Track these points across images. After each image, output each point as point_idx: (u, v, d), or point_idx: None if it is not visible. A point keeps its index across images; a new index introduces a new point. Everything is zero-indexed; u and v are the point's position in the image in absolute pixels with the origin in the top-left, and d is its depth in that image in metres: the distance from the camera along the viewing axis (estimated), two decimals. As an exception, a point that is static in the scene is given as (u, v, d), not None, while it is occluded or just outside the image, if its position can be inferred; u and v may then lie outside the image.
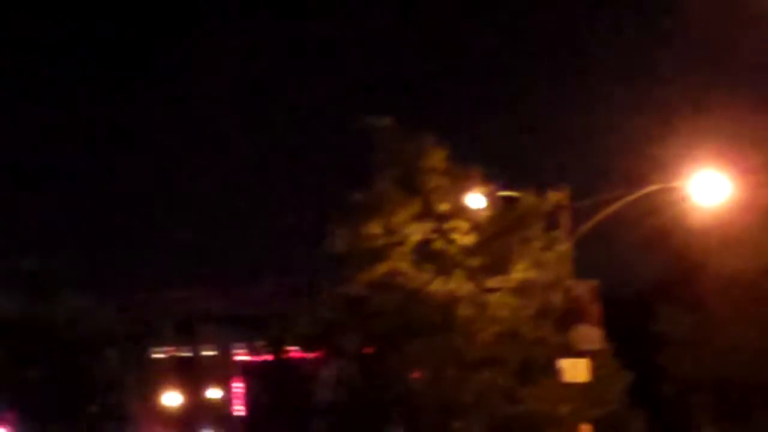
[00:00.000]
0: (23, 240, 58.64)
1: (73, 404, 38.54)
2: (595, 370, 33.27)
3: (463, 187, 33.61)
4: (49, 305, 39.17)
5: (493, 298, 33.60)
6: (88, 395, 39.98)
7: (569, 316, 34.12)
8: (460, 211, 33.72)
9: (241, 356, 70.06)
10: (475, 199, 33.51)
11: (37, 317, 38.84)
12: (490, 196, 33.61)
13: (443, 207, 33.75)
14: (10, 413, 40.87)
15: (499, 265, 33.91)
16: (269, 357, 65.16)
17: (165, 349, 70.34)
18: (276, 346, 60.39)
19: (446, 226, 33.79)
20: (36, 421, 38.44)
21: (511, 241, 33.91)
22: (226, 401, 70.57)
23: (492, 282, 33.69)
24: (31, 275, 39.05)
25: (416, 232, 33.81)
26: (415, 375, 35.17)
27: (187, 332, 69.42)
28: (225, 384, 70.15)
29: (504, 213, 34.15)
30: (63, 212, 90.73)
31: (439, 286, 33.42)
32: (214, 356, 71.08)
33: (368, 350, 35.36)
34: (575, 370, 32.55)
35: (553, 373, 32.93)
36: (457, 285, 33.40)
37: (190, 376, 69.55)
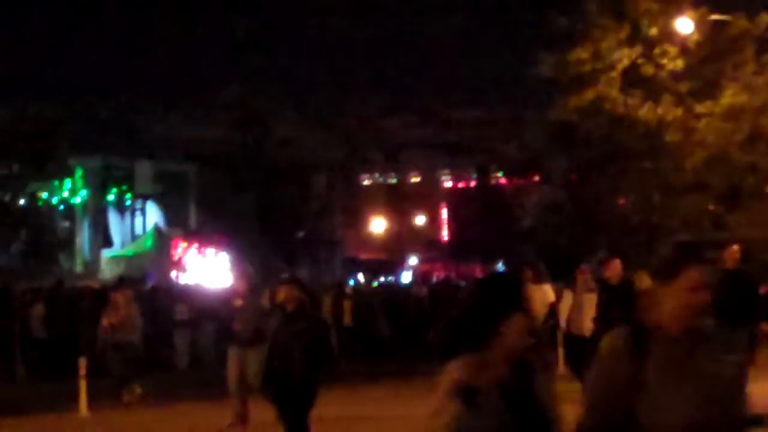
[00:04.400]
0: (229, 72, 60.11)
1: (283, 230, 39.72)
2: (807, 194, 32.99)
3: (672, 11, 33.14)
4: (258, 133, 40.16)
5: (701, 123, 33.31)
6: (298, 221, 41.08)
7: (781, 140, 33.70)
8: (669, 35, 33.32)
9: (448, 182, 71.11)
10: (685, 23, 33.04)
11: (247, 145, 39.88)
12: (700, 19, 33.08)
13: (652, 31, 33.37)
14: (221, 238, 42.30)
15: (709, 90, 33.54)
16: (475, 183, 66.22)
17: (372, 175, 71.80)
18: (482, 173, 61.32)
19: (655, 50, 33.47)
20: (247, 246, 39.80)
21: (722, 66, 33.42)
22: (432, 227, 71.98)
23: (701, 107, 33.36)
24: (240, 104, 39.98)
25: (624, 57, 33.61)
26: (622, 200, 35.36)
27: (394, 159, 70.52)
28: (431, 210, 71.49)
29: (714, 37, 33.60)
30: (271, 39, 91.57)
31: (647, 111, 33.29)
32: (420, 182, 72.19)
33: (575, 176, 35.62)
34: (785, 194, 32.33)
35: (763, 198, 32.76)
36: (666, 110, 33.19)
37: (397, 202, 70.91)
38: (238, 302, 16.79)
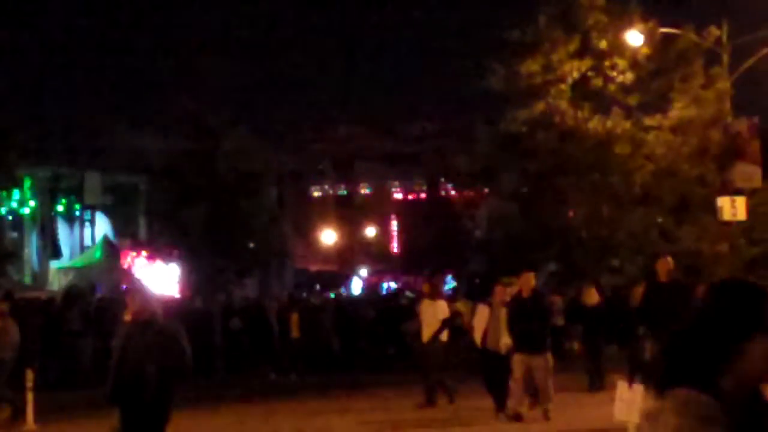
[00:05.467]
0: (186, 82, 59.93)
1: (234, 241, 39.59)
2: (754, 208, 33.20)
3: (622, 25, 33.36)
4: (211, 145, 39.97)
5: (650, 136, 33.53)
6: (248, 233, 40.93)
7: (728, 153, 33.93)
8: (619, 49, 33.52)
9: (398, 195, 71.16)
10: (634, 37, 33.27)
11: (200, 157, 39.69)
12: (649, 33, 33.31)
13: (602, 44, 33.57)
14: (171, 249, 42.16)
15: (658, 103, 33.77)
16: (425, 195, 66.29)
17: (323, 187, 71.77)
18: (432, 185, 61.40)
19: (605, 63, 33.67)
20: (199, 257, 39.77)
21: (670, 79, 33.64)
22: (383, 239, 71.97)
23: (650, 120, 33.60)
24: (194, 116, 39.77)
25: (574, 70, 33.77)
26: (571, 213, 35.47)
27: (345, 170, 70.44)
28: (381, 222, 71.48)
29: (663, 50, 33.83)
30: (224, 54, 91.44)
31: (596, 124, 33.47)
32: (370, 195, 72.16)
33: (525, 188, 35.67)
34: (733, 208, 32.50)
35: (711, 211, 32.95)
36: (615, 123, 33.39)
37: (348, 214, 70.89)
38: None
